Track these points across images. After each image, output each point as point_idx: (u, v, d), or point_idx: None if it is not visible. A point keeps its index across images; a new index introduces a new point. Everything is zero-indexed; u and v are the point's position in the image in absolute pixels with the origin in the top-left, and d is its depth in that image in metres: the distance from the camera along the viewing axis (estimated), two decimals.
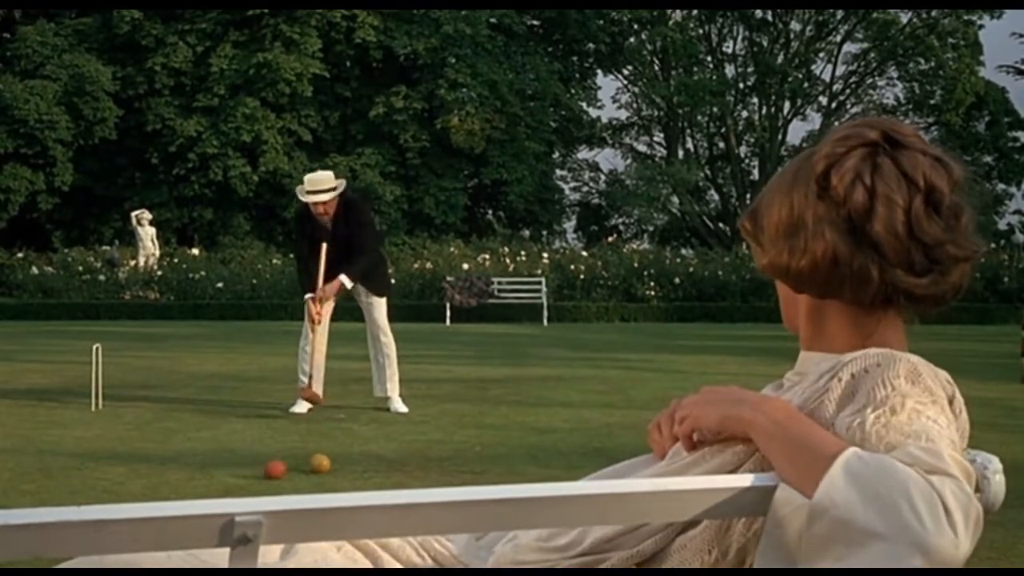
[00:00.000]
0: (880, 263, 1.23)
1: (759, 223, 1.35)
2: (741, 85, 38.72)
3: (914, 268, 1.23)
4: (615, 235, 32.59)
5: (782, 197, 1.30)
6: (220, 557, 1.29)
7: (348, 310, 9.35)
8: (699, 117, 38.73)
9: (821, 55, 38.76)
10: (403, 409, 7.38)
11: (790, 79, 37.72)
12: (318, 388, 7.36)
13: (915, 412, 1.14)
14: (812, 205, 1.26)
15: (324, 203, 7.09)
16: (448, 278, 20.66)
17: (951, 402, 1.21)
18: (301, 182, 7.33)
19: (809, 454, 1.11)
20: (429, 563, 1.43)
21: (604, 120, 40.17)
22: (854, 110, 38.46)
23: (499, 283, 20.72)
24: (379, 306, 7.52)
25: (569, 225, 39.09)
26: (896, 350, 1.24)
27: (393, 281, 20.97)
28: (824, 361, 1.27)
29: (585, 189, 40.25)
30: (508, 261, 22.82)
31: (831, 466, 1.06)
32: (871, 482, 1.04)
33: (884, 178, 1.23)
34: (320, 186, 7.11)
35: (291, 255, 16.99)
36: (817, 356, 1.31)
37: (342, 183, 7.24)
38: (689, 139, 39.71)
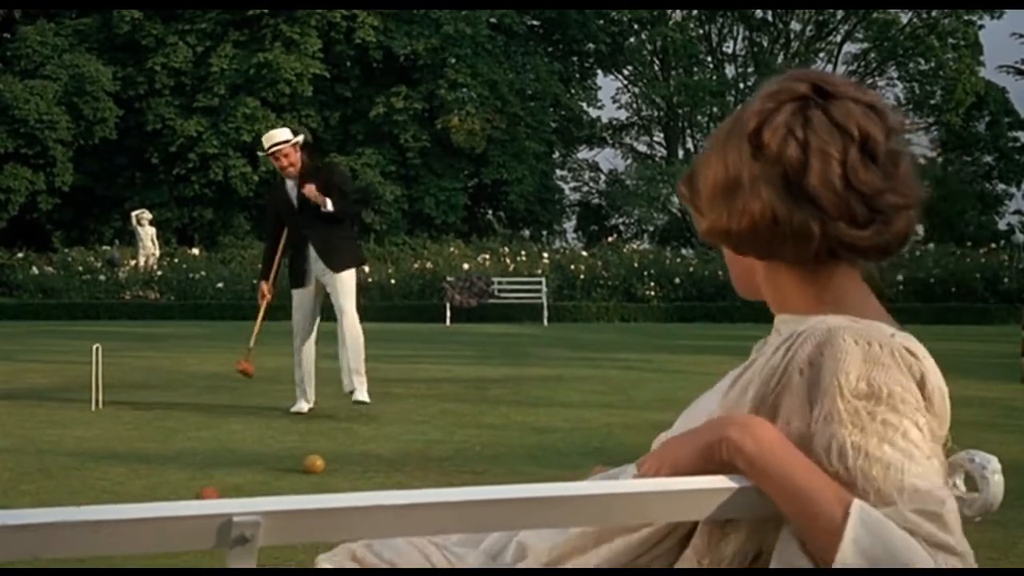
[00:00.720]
0: (820, 218, 1.19)
1: (695, 187, 1.31)
2: (741, 85, 38.71)
3: (856, 220, 1.19)
4: (615, 235, 32.59)
5: (717, 158, 1.26)
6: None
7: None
8: (699, 117, 38.73)
9: (821, 55, 38.81)
10: (365, 399, 7.19)
11: None
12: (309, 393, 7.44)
13: (884, 428, 1.11)
14: (747, 164, 1.22)
15: (285, 153, 7.17)
16: (448, 278, 20.66)
17: (922, 386, 1.16)
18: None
19: (811, 507, 1.09)
20: None
21: (604, 120, 40.29)
22: None
23: (499, 283, 20.72)
24: (345, 290, 7.25)
25: (569, 225, 39.17)
26: (857, 305, 1.22)
27: (393, 281, 21.33)
28: (793, 324, 1.24)
29: (585, 189, 40.32)
30: (508, 261, 22.83)
31: (841, 538, 1.05)
32: (883, 563, 1.04)
33: (816, 131, 1.20)
34: (277, 138, 7.28)
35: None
36: (787, 318, 1.28)
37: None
38: (689, 139, 39.74)
